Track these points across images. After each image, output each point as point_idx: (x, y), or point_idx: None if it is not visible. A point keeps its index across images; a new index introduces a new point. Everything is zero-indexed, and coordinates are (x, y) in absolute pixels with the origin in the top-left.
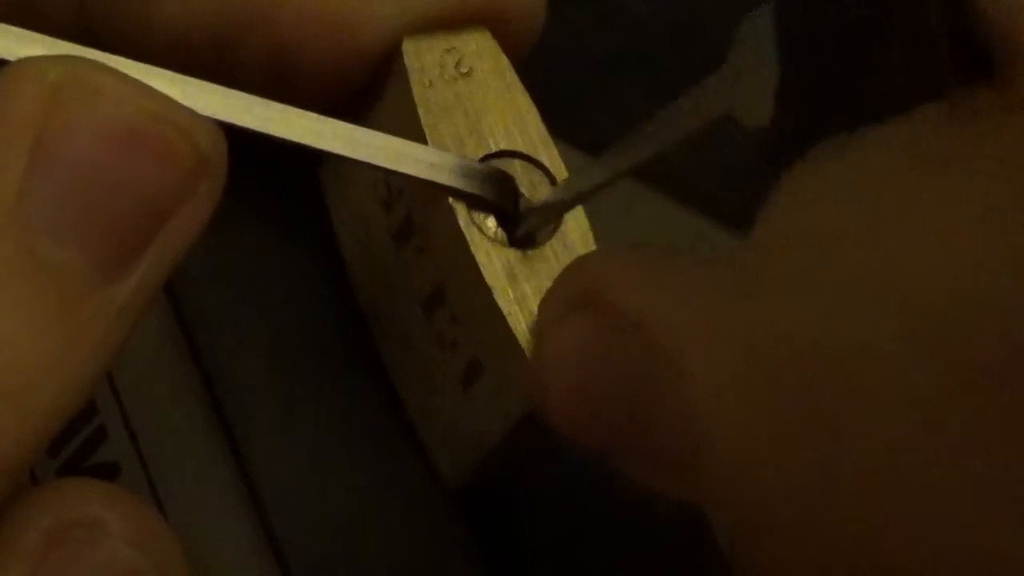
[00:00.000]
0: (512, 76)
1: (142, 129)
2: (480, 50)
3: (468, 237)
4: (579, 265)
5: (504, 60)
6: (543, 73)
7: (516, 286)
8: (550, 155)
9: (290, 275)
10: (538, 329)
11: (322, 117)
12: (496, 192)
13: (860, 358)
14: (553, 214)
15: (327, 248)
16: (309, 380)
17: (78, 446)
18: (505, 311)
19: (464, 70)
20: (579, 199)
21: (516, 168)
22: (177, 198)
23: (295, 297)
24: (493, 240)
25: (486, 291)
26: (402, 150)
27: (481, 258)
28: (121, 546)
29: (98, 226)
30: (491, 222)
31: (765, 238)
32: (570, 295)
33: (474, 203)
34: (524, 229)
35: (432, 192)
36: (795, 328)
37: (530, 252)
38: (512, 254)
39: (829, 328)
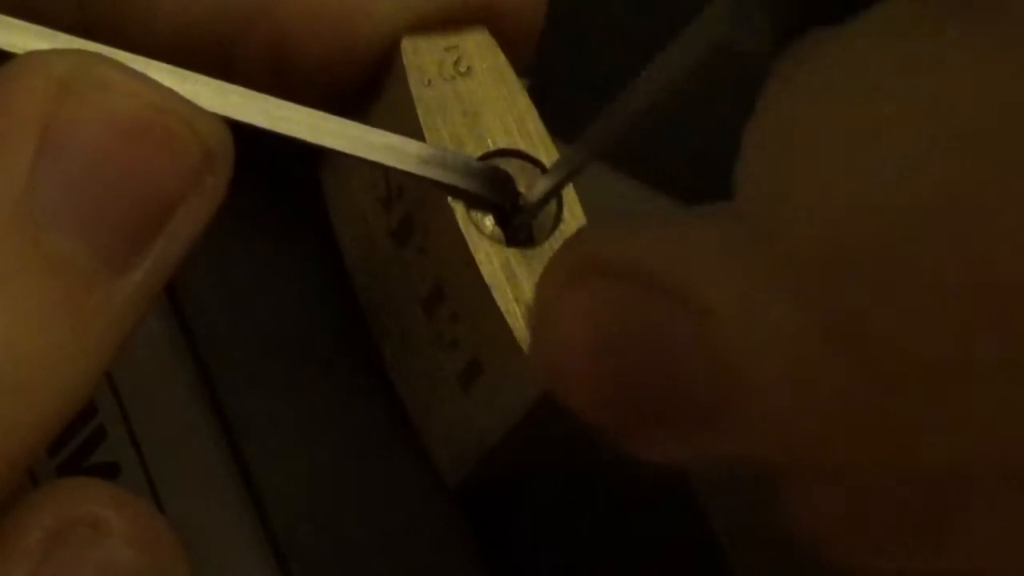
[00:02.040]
0: (511, 75)
1: (149, 123)
2: (479, 49)
3: (467, 236)
4: (571, 241)
5: (503, 59)
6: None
7: (515, 284)
8: (549, 154)
9: (290, 275)
10: (538, 305)
11: (321, 113)
12: (495, 191)
13: (900, 232)
14: (549, 199)
15: (327, 248)
16: (309, 380)
17: (78, 446)
18: (504, 309)
19: (463, 69)
20: (574, 171)
21: (515, 167)
22: (183, 192)
23: (295, 297)
24: (492, 239)
25: (484, 289)
26: (401, 148)
27: (480, 257)
28: (122, 546)
29: (104, 219)
30: (489, 221)
31: (756, 161)
32: (569, 267)
33: (473, 202)
34: (516, 223)
35: (431, 190)
36: (812, 231)
37: (529, 251)
38: (511, 252)
39: (854, 217)
